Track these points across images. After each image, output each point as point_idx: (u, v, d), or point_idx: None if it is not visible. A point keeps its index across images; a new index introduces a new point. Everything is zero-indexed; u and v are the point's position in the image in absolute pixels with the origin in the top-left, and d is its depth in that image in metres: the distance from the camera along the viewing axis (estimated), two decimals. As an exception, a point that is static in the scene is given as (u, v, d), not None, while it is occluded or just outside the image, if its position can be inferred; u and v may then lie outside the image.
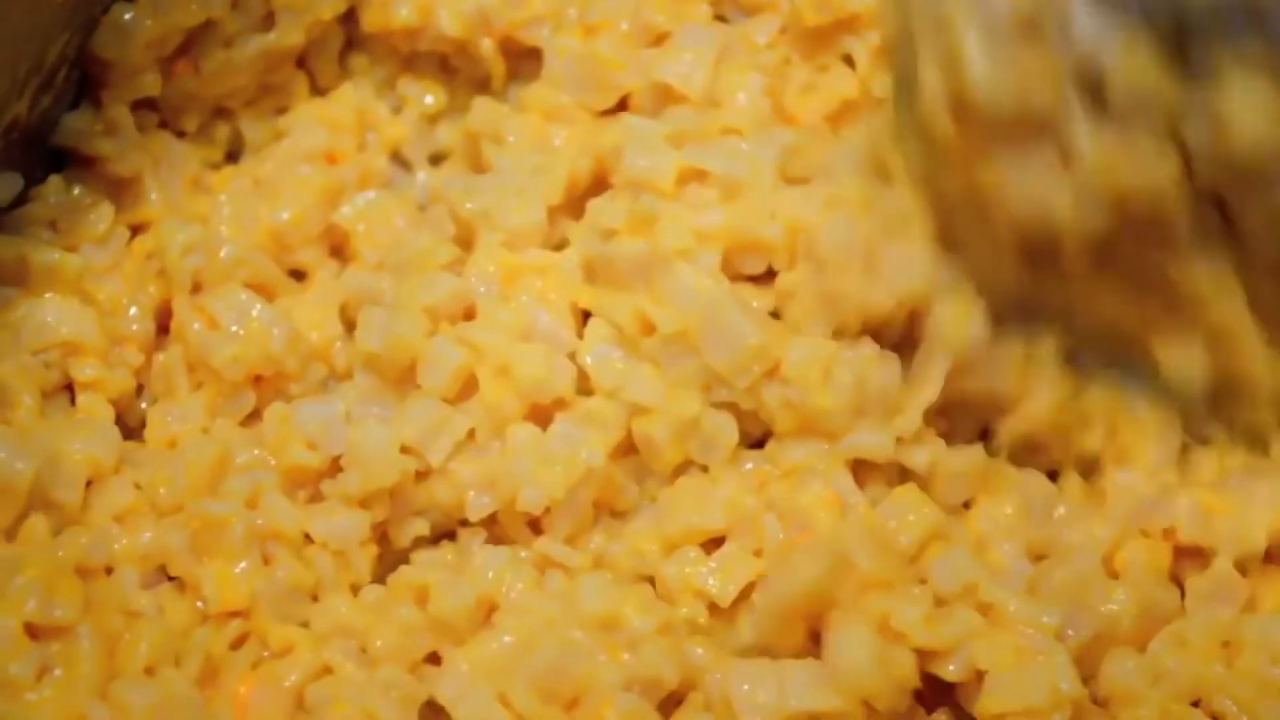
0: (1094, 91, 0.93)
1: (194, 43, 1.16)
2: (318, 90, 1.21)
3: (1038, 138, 0.95)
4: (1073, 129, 0.94)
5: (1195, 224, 0.95)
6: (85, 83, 1.16)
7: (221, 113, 1.20)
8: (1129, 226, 0.95)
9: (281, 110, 1.21)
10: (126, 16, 1.13)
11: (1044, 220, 0.96)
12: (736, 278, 1.07)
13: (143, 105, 1.17)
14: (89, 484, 1.06)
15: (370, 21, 1.21)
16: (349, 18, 1.22)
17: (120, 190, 1.16)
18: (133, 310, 1.12)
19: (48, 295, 1.10)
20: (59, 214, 1.14)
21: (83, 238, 1.14)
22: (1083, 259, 0.97)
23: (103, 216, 1.14)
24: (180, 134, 1.19)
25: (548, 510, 1.04)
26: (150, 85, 1.16)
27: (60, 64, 1.13)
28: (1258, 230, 0.95)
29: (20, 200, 1.13)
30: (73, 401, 1.10)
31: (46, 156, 1.15)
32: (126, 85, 1.16)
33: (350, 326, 1.11)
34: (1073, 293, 1.00)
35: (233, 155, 1.21)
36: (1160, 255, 0.97)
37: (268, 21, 1.18)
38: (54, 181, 1.14)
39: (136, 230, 1.15)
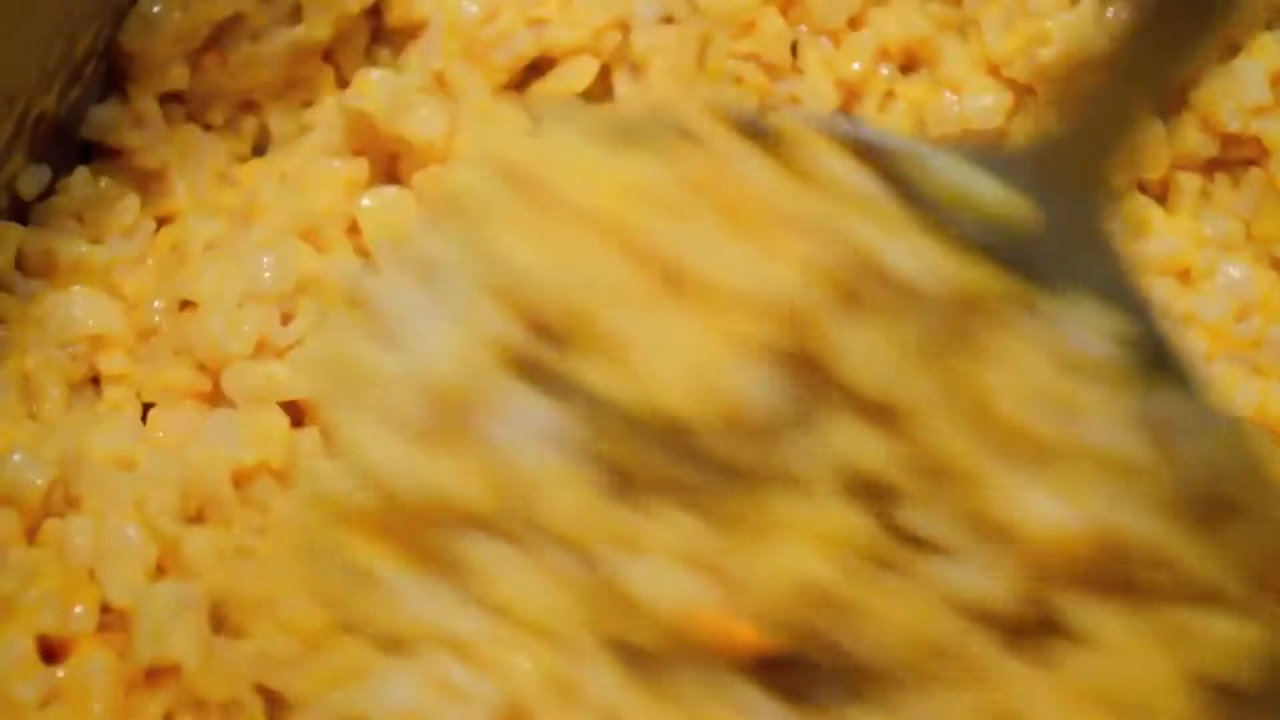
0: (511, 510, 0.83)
1: (222, 36, 1.16)
2: (344, 84, 1.21)
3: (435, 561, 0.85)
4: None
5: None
6: (113, 75, 1.16)
7: (248, 106, 1.20)
8: None
9: (308, 104, 1.20)
10: (155, 10, 1.13)
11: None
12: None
13: (170, 98, 1.17)
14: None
15: (396, 15, 1.21)
16: (375, 12, 1.21)
17: (147, 183, 1.16)
18: (157, 303, 1.11)
19: (75, 288, 1.10)
20: (85, 206, 1.14)
21: (109, 230, 1.14)
22: None
23: (129, 208, 1.14)
24: (207, 127, 1.18)
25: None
26: (178, 78, 1.16)
27: (88, 57, 1.13)
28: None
29: (47, 192, 1.13)
30: (99, 394, 1.10)
31: (74, 149, 1.15)
32: (154, 78, 1.16)
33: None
34: None
35: (259, 148, 1.20)
36: None
37: (295, 15, 1.18)
38: (81, 174, 1.14)
39: (163, 222, 1.16)
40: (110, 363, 1.10)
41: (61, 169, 1.14)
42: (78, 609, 0.98)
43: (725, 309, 0.80)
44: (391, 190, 1.16)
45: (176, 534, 0.99)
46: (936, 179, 0.84)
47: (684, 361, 0.80)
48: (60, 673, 0.97)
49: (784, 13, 1.18)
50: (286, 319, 1.09)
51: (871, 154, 0.84)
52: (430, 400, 0.83)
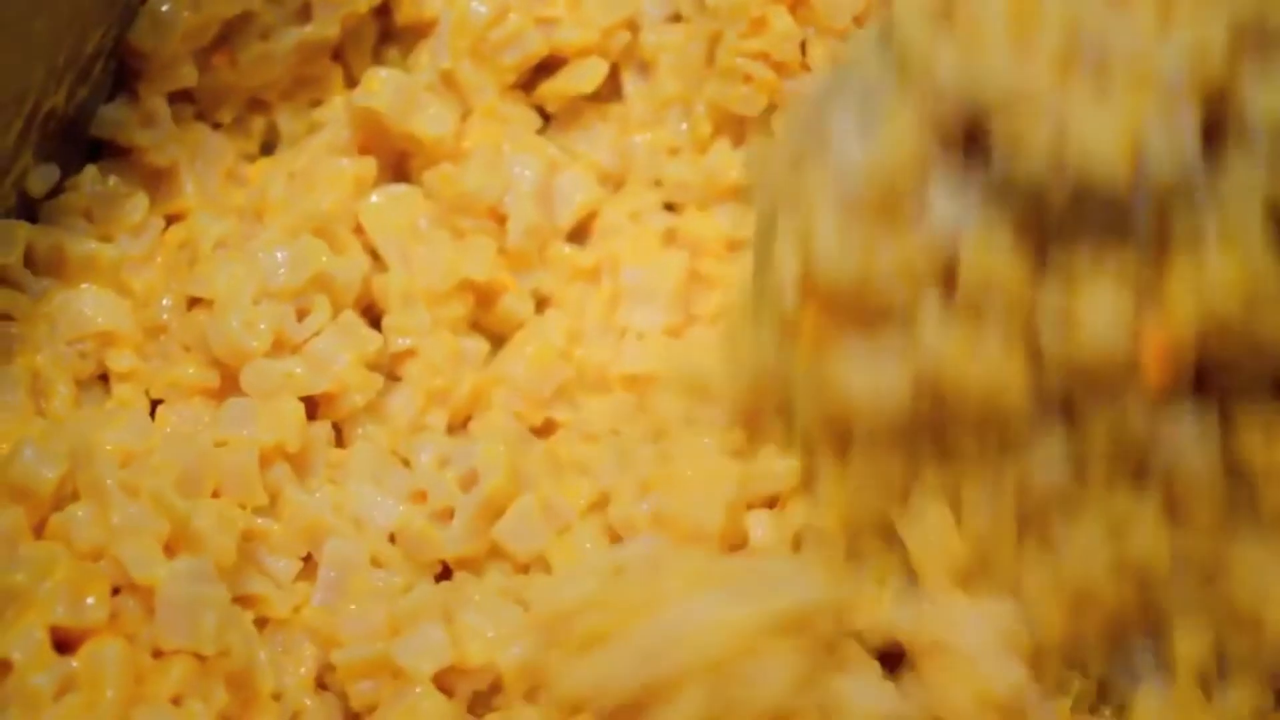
0: (946, 280, 0.91)
1: (231, 35, 1.17)
2: (353, 83, 1.21)
3: (884, 323, 0.92)
4: (920, 316, 0.91)
5: (1039, 429, 0.92)
6: (122, 74, 1.16)
7: (257, 105, 1.20)
8: (969, 423, 0.93)
9: (316, 103, 1.21)
10: (164, 8, 1.14)
11: (880, 410, 0.93)
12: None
13: (179, 97, 1.17)
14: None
15: (404, 14, 1.21)
16: (384, 11, 1.22)
17: (156, 181, 1.16)
18: (165, 301, 1.11)
19: (84, 286, 1.11)
20: (94, 204, 1.14)
21: (118, 228, 1.14)
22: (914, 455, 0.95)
23: (138, 207, 1.14)
24: (216, 125, 1.19)
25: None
26: (187, 77, 1.16)
27: (98, 55, 1.13)
28: (1098, 443, 0.92)
29: (56, 190, 1.14)
30: (108, 392, 1.10)
31: (83, 147, 1.15)
32: (163, 76, 1.16)
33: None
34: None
35: (268, 147, 1.21)
36: (1002, 458, 0.94)
37: (304, 14, 1.18)
38: (90, 172, 1.14)
39: (171, 220, 1.16)
40: (119, 360, 1.10)
41: (71, 167, 1.14)
42: (90, 599, 0.98)
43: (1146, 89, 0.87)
44: (400, 188, 1.16)
45: (185, 510, 1.00)
46: None
47: (1109, 124, 0.87)
48: (74, 662, 0.97)
49: (793, 11, 1.18)
50: (301, 315, 1.09)
51: None
52: (881, 185, 0.90)
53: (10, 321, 1.09)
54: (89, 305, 1.10)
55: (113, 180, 1.15)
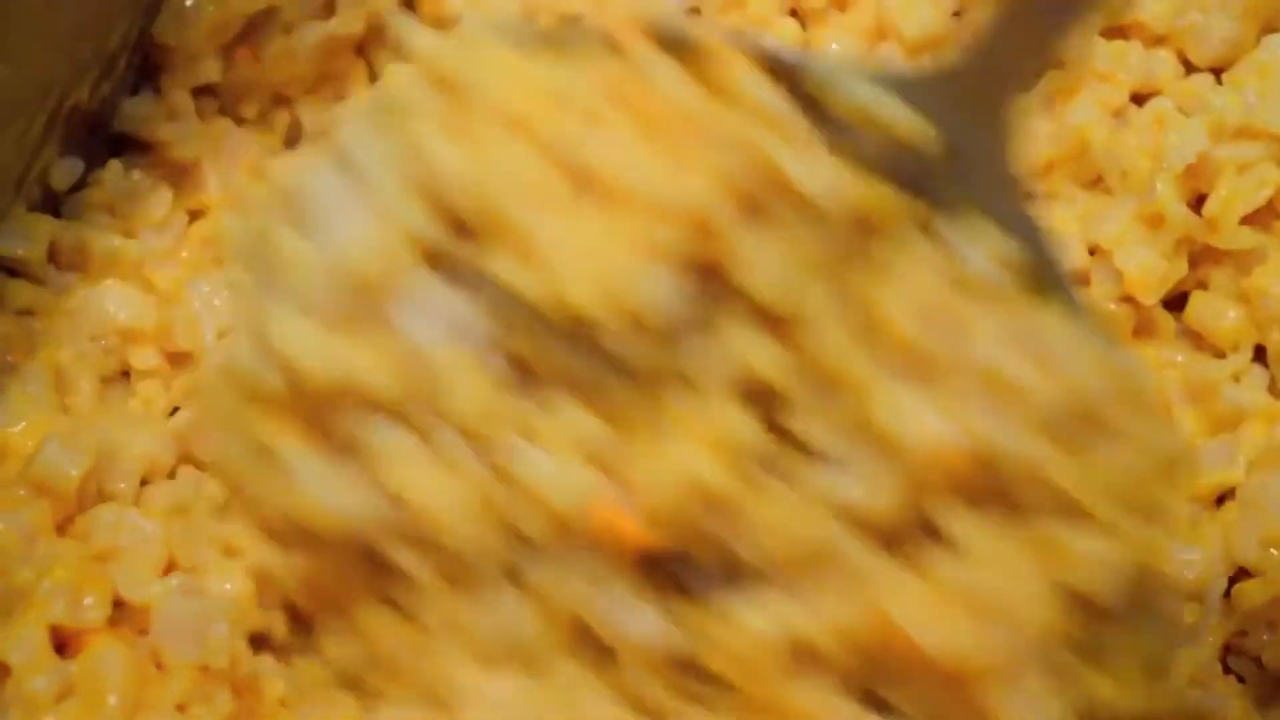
0: (414, 398, 0.85)
1: (255, 30, 1.17)
2: (375, 78, 1.21)
3: (354, 431, 0.86)
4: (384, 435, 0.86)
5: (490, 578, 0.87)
6: (146, 68, 1.16)
7: (281, 100, 1.20)
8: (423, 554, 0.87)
9: (340, 98, 1.20)
10: (188, 3, 1.14)
11: (336, 524, 0.87)
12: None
13: (203, 91, 1.17)
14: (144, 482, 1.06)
15: (427, 9, 1.21)
16: (407, 6, 1.21)
17: (179, 176, 1.16)
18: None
19: (107, 281, 1.11)
20: (118, 199, 1.14)
21: (141, 223, 1.14)
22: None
23: (162, 202, 1.15)
24: (240, 121, 1.19)
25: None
26: (211, 72, 1.16)
27: (122, 50, 1.13)
28: (547, 603, 0.87)
29: (80, 185, 1.14)
30: (130, 388, 1.10)
31: (106, 142, 1.16)
32: (187, 71, 1.16)
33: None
34: None
35: (291, 142, 1.20)
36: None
37: (328, 9, 1.18)
38: (113, 166, 1.14)
39: (195, 216, 1.16)
40: (142, 357, 1.10)
41: (94, 162, 1.14)
42: (88, 600, 0.98)
43: (635, 214, 0.83)
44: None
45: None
46: (846, 98, 0.87)
47: (592, 262, 0.82)
48: (74, 666, 0.97)
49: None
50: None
51: (784, 71, 0.86)
52: (344, 288, 0.85)
53: (33, 317, 1.09)
54: (112, 301, 1.10)
55: (136, 175, 1.15)
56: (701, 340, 0.84)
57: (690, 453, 0.83)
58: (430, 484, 0.84)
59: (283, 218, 0.87)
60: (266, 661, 1.00)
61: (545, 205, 0.83)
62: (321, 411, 0.85)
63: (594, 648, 0.86)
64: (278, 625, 0.93)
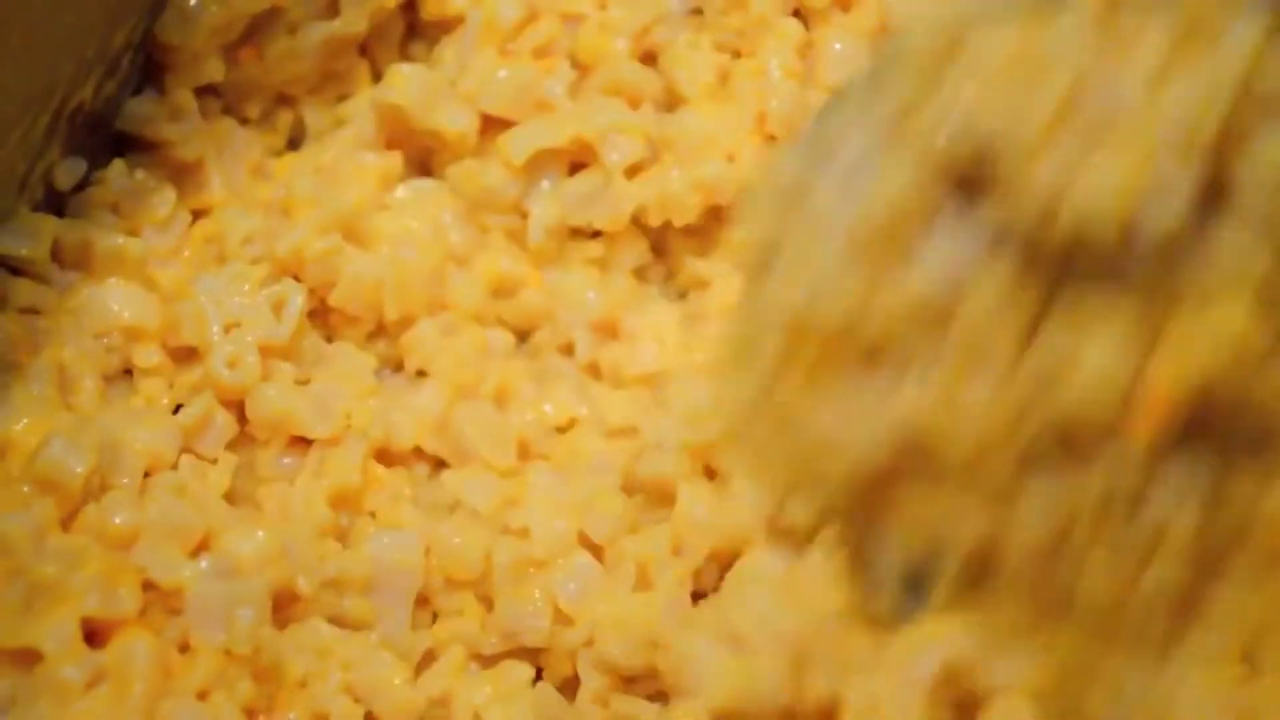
0: (939, 325, 0.86)
1: (258, 29, 1.17)
2: (379, 78, 1.21)
3: (874, 367, 0.88)
4: (911, 360, 0.87)
5: (1022, 484, 0.87)
6: (149, 68, 1.16)
7: (284, 99, 1.20)
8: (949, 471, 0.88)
9: (343, 98, 1.21)
10: (192, 3, 1.14)
11: (858, 458, 0.88)
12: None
13: (206, 91, 1.17)
14: (147, 474, 1.06)
15: (430, 10, 1.21)
16: (410, 6, 1.22)
17: (182, 175, 1.16)
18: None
19: (111, 280, 1.11)
20: (121, 198, 1.14)
21: (145, 222, 1.14)
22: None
23: (165, 201, 1.14)
24: (243, 120, 1.19)
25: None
26: (214, 71, 1.16)
27: (125, 49, 1.13)
28: (1084, 499, 0.87)
29: (83, 184, 1.14)
30: (133, 387, 1.10)
31: (110, 141, 1.16)
32: (191, 71, 1.16)
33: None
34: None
35: (294, 142, 1.21)
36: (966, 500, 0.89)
37: (331, 9, 1.18)
38: (117, 166, 1.14)
39: (198, 215, 1.16)
40: (145, 355, 1.10)
41: (98, 161, 1.14)
42: (121, 591, 0.98)
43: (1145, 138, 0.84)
44: (426, 183, 1.16)
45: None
46: None
47: (1107, 184, 0.83)
48: (104, 655, 0.98)
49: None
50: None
51: None
52: (875, 227, 0.86)
53: (37, 315, 1.09)
54: (115, 300, 1.10)
55: (140, 174, 1.15)
56: (1200, 250, 0.84)
57: (1223, 312, 0.83)
58: (972, 403, 0.85)
59: (811, 164, 0.89)
60: (288, 641, 1.01)
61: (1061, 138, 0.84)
62: (857, 351, 0.86)
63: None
64: None
